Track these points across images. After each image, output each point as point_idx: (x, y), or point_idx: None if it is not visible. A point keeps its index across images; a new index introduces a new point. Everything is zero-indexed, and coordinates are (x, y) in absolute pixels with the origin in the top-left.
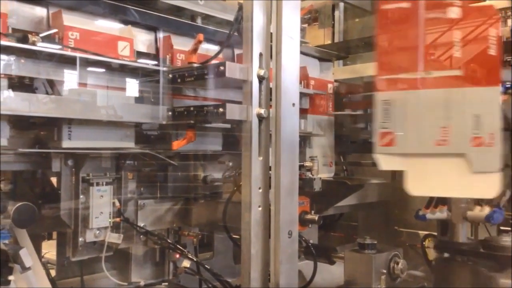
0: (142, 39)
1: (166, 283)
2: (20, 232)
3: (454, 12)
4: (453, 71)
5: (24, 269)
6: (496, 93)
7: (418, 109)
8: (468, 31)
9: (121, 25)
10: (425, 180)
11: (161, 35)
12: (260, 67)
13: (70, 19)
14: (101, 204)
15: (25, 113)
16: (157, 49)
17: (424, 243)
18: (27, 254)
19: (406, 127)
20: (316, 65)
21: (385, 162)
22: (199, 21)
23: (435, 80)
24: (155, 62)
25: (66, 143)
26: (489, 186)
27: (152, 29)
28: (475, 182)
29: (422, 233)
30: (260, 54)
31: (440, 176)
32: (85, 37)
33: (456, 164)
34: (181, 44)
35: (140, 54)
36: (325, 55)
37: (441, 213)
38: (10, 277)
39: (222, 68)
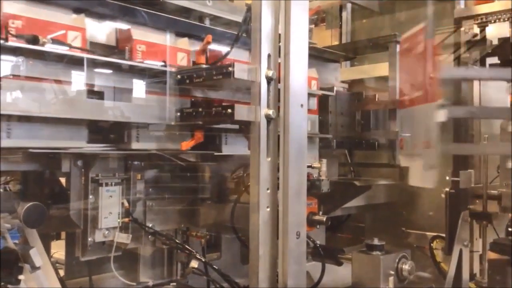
0: (101, 30)
1: (174, 283)
2: (30, 232)
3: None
4: (418, 92)
5: (34, 268)
6: (431, 108)
7: (412, 121)
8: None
9: (74, 15)
10: (417, 173)
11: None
12: (269, 68)
13: (12, 6)
14: (110, 205)
15: None
16: (117, 40)
17: (432, 244)
18: (37, 254)
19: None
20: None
21: (403, 160)
22: (207, 23)
23: (416, 99)
24: (162, 63)
25: (4, 142)
26: (429, 179)
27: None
28: (427, 176)
29: (430, 234)
30: (269, 55)
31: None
32: (30, 26)
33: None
34: (143, 35)
35: (96, 45)
36: (332, 56)
37: None
38: (20, 277)
39: (230, 69)
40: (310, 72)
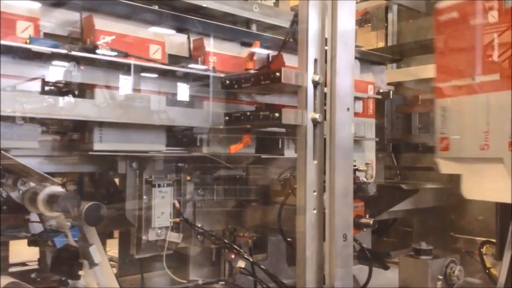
0: (58, 20)
1: (223, 282)
2: (89, 229)
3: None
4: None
5: (93, 264)
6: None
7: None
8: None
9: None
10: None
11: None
12: (315, 72)
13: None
14: (162, 205)
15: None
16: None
17: (481, 249)
18: (96, 251)
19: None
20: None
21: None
22: (254, 28)
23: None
24: (205, 67)
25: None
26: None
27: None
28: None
29: (480, 239)
30: (315, 60)
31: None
32: None
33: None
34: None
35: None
36: (378, 58)
37: None
38: (80, 272)
39: (278, 74)
40: (366, 76)
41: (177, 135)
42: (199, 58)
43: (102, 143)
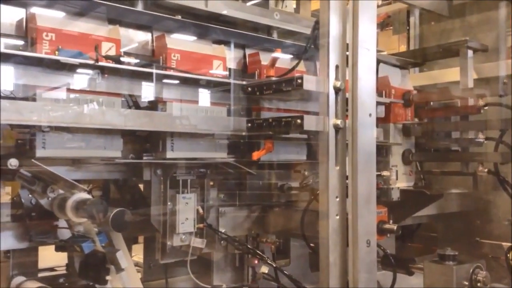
0: None
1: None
2: (116, 235)
3: None
4: None
5: (119, 270)
6: None
7: None
8: None
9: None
10: None
11: None
12: (336, 78)
13: None
14: (186, 211)
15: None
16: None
17: (508, 255)
18: (122, 256)
19: None
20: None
21: None
22: (275, 36)
23: None
24: (226, 73)
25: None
26: None
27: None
28: None
29: (506, 244)
30: (337, 66)
31: None
32: None
33: None
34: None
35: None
36: (401, 63)
37: None
38: (107, 277)
39: (299, 81)
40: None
41: (139, 141)
42: (161, 56)
43: (45, 150)
